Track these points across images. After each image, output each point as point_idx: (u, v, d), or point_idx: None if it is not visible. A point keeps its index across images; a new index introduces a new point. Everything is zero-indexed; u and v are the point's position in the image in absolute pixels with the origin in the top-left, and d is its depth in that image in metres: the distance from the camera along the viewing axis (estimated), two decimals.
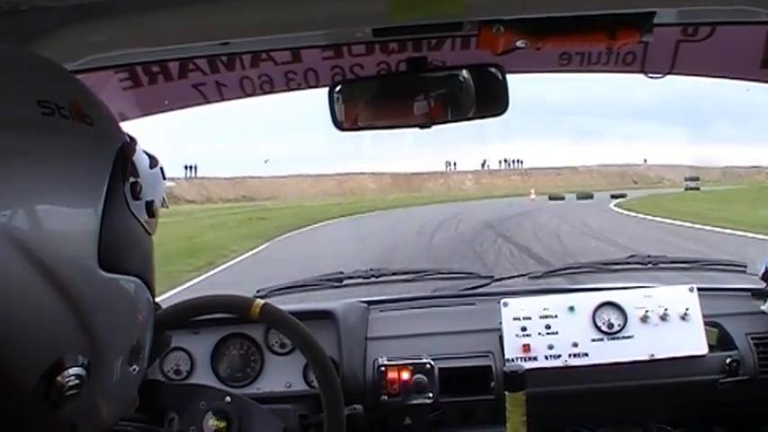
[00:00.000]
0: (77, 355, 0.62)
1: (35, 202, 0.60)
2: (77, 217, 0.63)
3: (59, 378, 0.61)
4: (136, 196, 0.69)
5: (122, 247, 0.67)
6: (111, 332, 0.66)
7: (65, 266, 0.60)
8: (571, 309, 1.70)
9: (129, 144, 0.72)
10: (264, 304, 1.35)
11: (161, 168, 0.81)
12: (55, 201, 0.61)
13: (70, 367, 0.62)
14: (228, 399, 1.28)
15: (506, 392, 1.35)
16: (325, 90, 1.53)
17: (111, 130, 0.70)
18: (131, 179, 0.69)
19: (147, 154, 0.79)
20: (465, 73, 1.51)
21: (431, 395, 1.63)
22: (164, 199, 0.81)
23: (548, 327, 1.68)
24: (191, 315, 1.44)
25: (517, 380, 1.34)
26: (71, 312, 0.61)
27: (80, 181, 0.64)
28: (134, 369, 0.71)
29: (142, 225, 0.71)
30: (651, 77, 1.74)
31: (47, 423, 0.63)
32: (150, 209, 0.72)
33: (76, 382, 0.62)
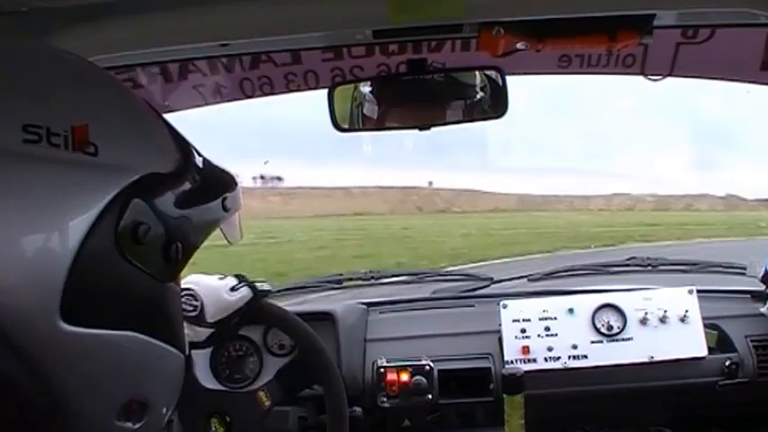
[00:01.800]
0: (33, 409, 0.56)
1: None
2: (36, 262, 0.53)
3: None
4: (138, 240, 0.59)
5: (103, 297, 0.59)
6: (83, 389, 0.58)
7: (13, 319, 0.53)
8: (570, 311, 1.69)
9: (148, 179, 0.61)
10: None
11: (223, 199, 0.70)
12: (9, 243, 0.53)
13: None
14: None
15: (505, 395, 1.35)
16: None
17: (126, 161, 0.60)
18: (136, 219, 0.59)
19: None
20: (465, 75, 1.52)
21: (430, 397, 1.63)
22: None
23: (547, 329, 1.68)
24: None
25: (515, 383, 1.34)
26: (23, 369, 0.54)
27: (50, 221, 0.54)
28: (130, 426, 0.63)
29: (144, 272, 0.61)
30: (651, 80, 1.74)
31: None
32: (168, 252, 0.62)
33: None
